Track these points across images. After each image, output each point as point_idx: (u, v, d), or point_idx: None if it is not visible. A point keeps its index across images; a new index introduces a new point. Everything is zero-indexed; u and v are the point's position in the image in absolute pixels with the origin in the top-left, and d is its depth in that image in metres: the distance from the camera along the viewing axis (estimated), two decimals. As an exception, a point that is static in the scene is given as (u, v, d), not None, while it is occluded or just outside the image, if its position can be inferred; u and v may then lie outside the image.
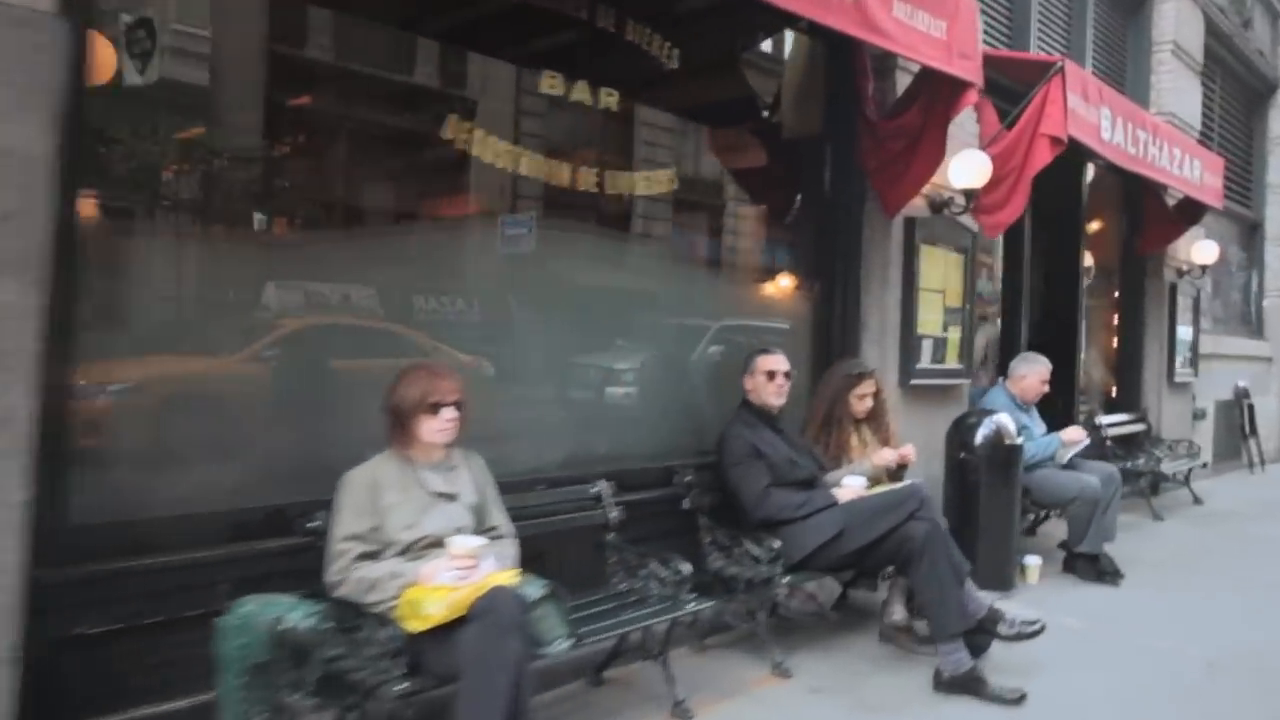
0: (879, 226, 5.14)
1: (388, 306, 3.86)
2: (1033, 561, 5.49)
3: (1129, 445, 8.32)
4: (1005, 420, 5.13)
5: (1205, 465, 8.72)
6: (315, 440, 3.28)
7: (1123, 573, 5.61)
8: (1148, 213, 8.49)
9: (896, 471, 4.56)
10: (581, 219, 4.36)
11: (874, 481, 4.42)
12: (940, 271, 5.41)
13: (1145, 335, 8.87)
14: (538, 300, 4.22)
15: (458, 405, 2.88)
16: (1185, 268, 8.96)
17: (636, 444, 4.37)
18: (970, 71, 4.54)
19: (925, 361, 5.32)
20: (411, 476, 2.87)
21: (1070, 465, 5.81)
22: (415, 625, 2.63)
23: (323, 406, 3.45)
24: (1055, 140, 5.50)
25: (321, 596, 2.75)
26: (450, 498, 2.91)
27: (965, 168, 5.19)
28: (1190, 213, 8.34)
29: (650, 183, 4.30)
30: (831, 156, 5.15)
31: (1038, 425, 5.71)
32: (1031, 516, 6.14)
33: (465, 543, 2.73)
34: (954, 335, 5.57)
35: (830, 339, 5.16)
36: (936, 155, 4.76)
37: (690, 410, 4.62)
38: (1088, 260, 9.21)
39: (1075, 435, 5.68)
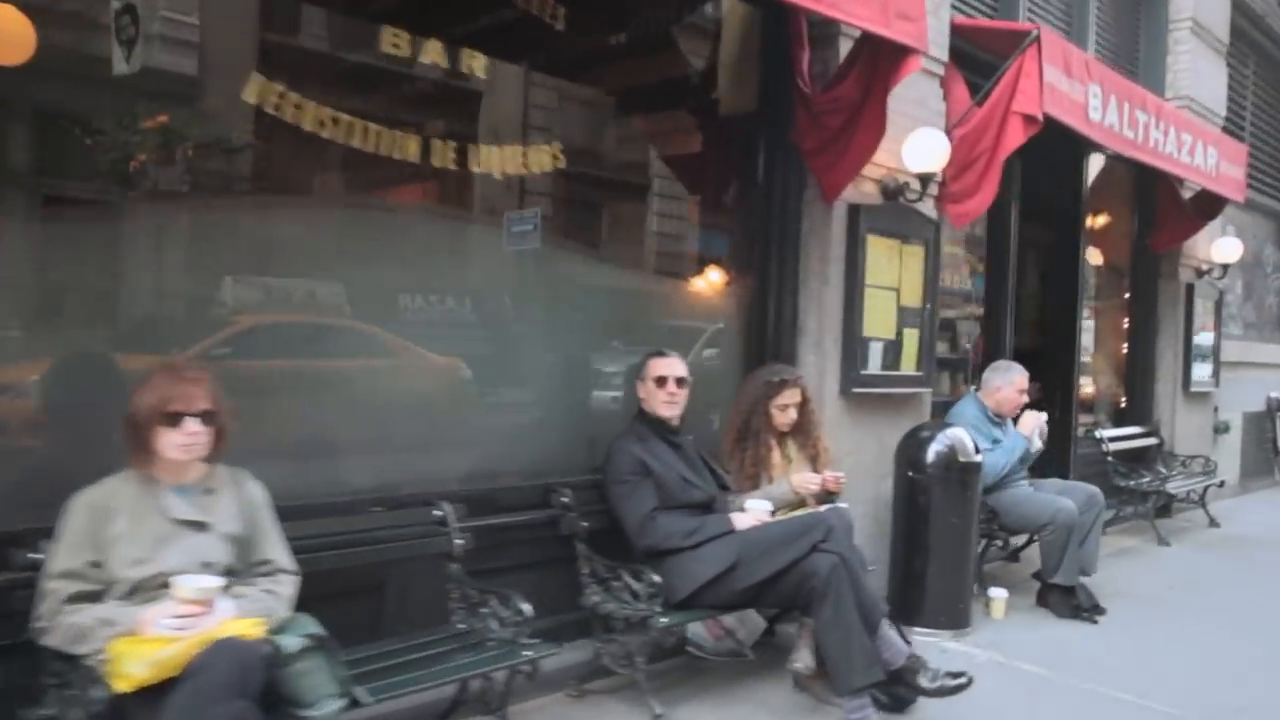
0: (819, 215, 4.57)
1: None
2: (998, 594, 4.88)
3: (1139, 461, 7.63)
4: (960, 435, 4.53)
5: (1222, 484, 7.96)
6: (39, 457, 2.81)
7: (1103, 608, 4.98)
8: (1161, 206, 7.77)
9: (827, 496, 4.00)
10: (447, 199, 3.85)
11: (794, 506, 3.87)
12: (893, 266, 4.81)
13: (1158, 341, 8.15)
14: (387, 293, 3.72)
15: (205, 416, 2.40)
16: (1205, 267, 8.21)
17: (512, 459, 3.85)
18: (912, 35, 3.96)
19: (873, 367, 4.72)
20: (151, 502, 2.39)
21: (1038, 483, 5.20)
22: (120, 685, 2.15)
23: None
24: (1029, 119, 4.89)
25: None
26: (199, 526, 2.42)
27: (922, 149, 4.61)
28: (1207, 207, 7.62)
29: (526, 160, 3.77)
30: (767, 137, 4.59)
31: (1012, 441, 5.08)
32: (1003, 543, 5.50)
33: (192, 583, 2.24)
34: (910, 338, 4.97)
35: (764, 342, 4.60)
36: (875, 132, 4.18)
37: (581, 421, 4.08)
38: (1097, 258, 8.54)
39: (1031, 421, 5.05)
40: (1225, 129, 8.47)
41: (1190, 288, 8.10)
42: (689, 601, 3.39)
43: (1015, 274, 6.40)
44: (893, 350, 4.84)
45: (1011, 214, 6.35)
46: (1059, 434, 7.06)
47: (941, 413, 5.30)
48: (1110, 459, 7.16)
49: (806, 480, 3.90)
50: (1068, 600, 4.92)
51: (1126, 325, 8.24)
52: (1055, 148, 6.34)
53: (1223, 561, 6.48)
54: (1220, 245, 8.08)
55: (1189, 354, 8.07)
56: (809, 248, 4.59)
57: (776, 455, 4.07)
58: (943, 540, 4.44)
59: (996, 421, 5.13)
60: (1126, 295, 8.26)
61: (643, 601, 3.33)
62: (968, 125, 5.04)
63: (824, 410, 4.52)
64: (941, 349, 6.29)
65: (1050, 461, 7.02)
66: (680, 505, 3.53)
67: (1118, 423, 8.16)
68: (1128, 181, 8.07)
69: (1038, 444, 5.09)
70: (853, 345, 4.58)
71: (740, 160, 4.68)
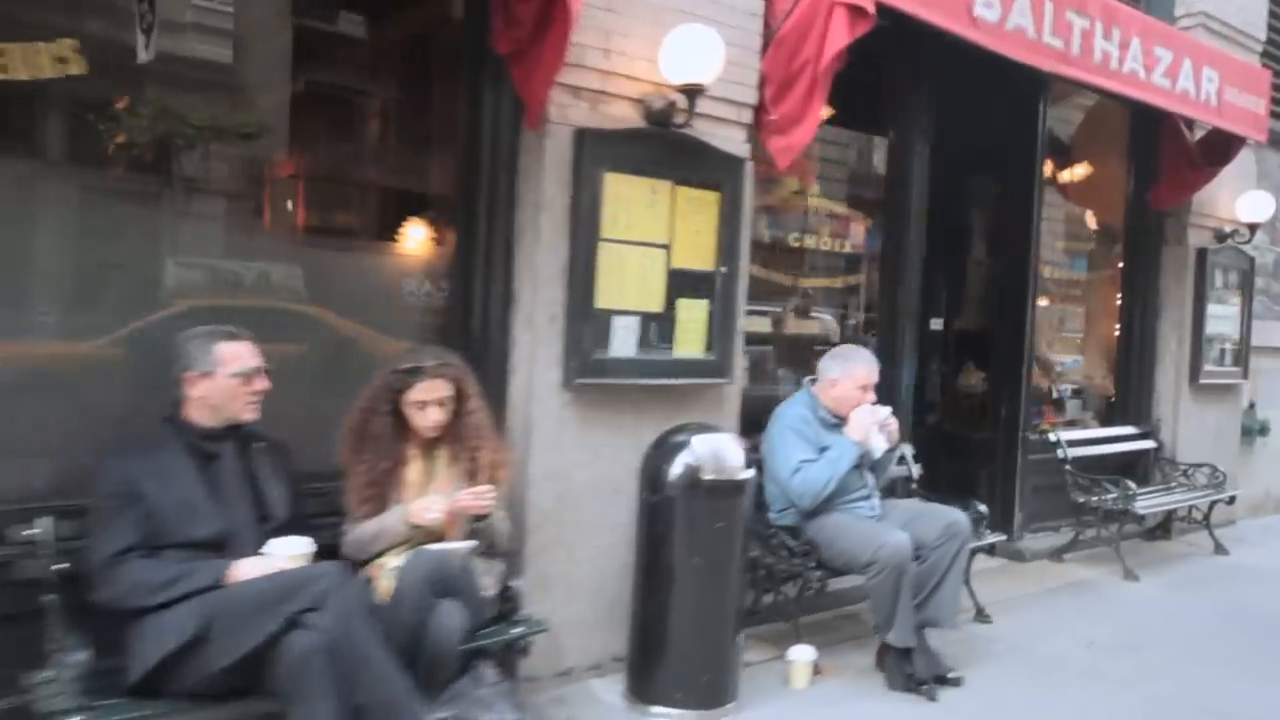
0: (534, 147, 3.40)
1: None
2: (800, 656, 3.64)
3: (1130, 471, 6.14)
4: (720, 443, 3.31)
5: (1232, 500, 6.34)
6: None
7: (955, 677, 3.70)
8: (1162, 153, 6.20)
9: (477, 525, 2.90)
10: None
11: (421, 542, 2.78)
12: (658, 215, 3.60)
13: (1160, 321, 6.57)
14: None
15: None
16: (1228, 228, 6.57)
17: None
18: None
19: (621, 350, 3.53)
20: None
21: (890, 506, 3.92)
22: None
23: None
24: (855, 10, 3.62)
25: None
26: None
27: (683, 52, 3.40)
28: (1217, 150, 6.02)
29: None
30: (471, 45, 3.45)
31: (839, 450, 3.80)
32: (818, 586, 4.15)
33: None
34: (692, 313, 3.74)
35: (469, 318, 3.48)
36: (565, 19, 2.99)
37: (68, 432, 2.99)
38: (1091, 221, 6.99)
39: (861, 421, 3.77)
40: (1264, 59, 6.75)
41: (1203, 254, 6.48)
42: (147, 687, 2.33)
43: (920, 231, 5.03)
44: (659, 328, 3.64)
45: (915, 152, 4.98)
46: (1007, 438, 5.69)
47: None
48: (1069, 468, 5.70)
49: (423, 509, 2.78)
50: (902, 666, 3.65)
51: (1120, 302, 6.67)
52: (1005, 84, 4.99)
53: (1194, 607, 4.99)
54: (1248, 200, 6.43)
55: (1198, 337, 6.46)
56: (524, 191, 3.44)
57: (415, 470, 2.97)
58: (684, 587, 3.24)
59: (834, 424, 3.87)
60: (1121, 265, 6.70)
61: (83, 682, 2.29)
62: (789, 24, 3.79)
63: (537, 407, 3.38)
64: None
65: (995, 473, 5.71)
66: (176, 544, 2.48)
67: (1107, 422, 6.64)
68: (1122, 124, 6.51)
69: (878, 446, 3.81)
70: (580, 321, 3.40)
71: (442, 77, 3.55)
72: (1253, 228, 6.53)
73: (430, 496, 2.84)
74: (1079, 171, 6.77)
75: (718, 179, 3.75)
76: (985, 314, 6.00)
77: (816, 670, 3.68)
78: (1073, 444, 5.84)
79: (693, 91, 3.46)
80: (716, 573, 3.27)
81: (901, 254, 4.99)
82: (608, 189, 3.43)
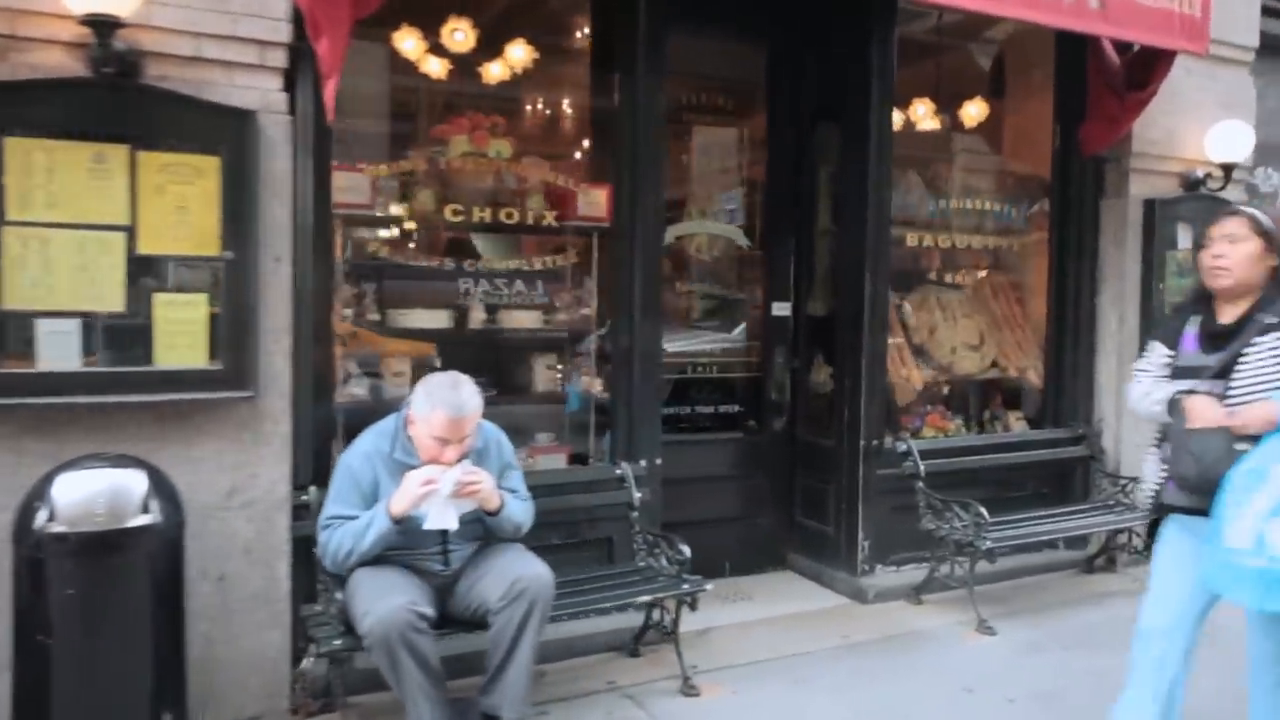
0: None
1: None
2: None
3: (1068, 483, 4.83)
4: (111, 479, 2.55)
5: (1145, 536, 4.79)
6: None
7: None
8: (1090, 84, 4.79)
9: None
10: None
11: None
12: (114, 189, 2.85)
13: (1099, 297, 5.11)
14: None
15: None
16: (1200, 172, 5.00)
17: None
18: None
19: (57, 362, 2.82)
20: None
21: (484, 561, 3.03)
22: None
23: None
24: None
25: None
26: None
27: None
28: (1142, 71, 4.55)
29: None
30: None
31: (373, 514, 2.91)
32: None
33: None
34: (182, 311, 2.97)
35: None
36: None
37: None
38: (1013, 176, 5.58)
39: (411, 487, 2.82)
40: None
41: (1150, 207, 4.95)
42: None
43: (658, 195, 3.98)
44: (124, 332, 2.90)
45: (640, 82, 3.94)
46: (849, 447, 4.55)
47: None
48: (922, 485, 4.46)
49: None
50: (425, 776, 2.75)
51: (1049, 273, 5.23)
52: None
53: (1046, 680, 3.69)
54: (1218, 134, 4.86)
55: (1148, 314, 4.95)
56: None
57: None
58: (62, 671, 2.51)
59: (415, 466, 2.96)
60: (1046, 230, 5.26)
61: None
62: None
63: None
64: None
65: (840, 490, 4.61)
66: None
67: (1038, 424, 5.25)
68: (1045, 52, 5.09)
69: (441, 519, 2.85)
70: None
71: None
72: (1227, 170, 4.93)
73: None
74: (991, 115, 5.36)
75: (213, 141, 2.96)
76: (831, 296, 4.81)
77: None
78: (930, 454, 4.57)
79: (104, 23, 2.69)
80: (107, 653, 2.52)
81: (627, 225, 3.97)
82: (9, 154, 2.72)
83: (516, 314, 4.13)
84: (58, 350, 2.82)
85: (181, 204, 2.94)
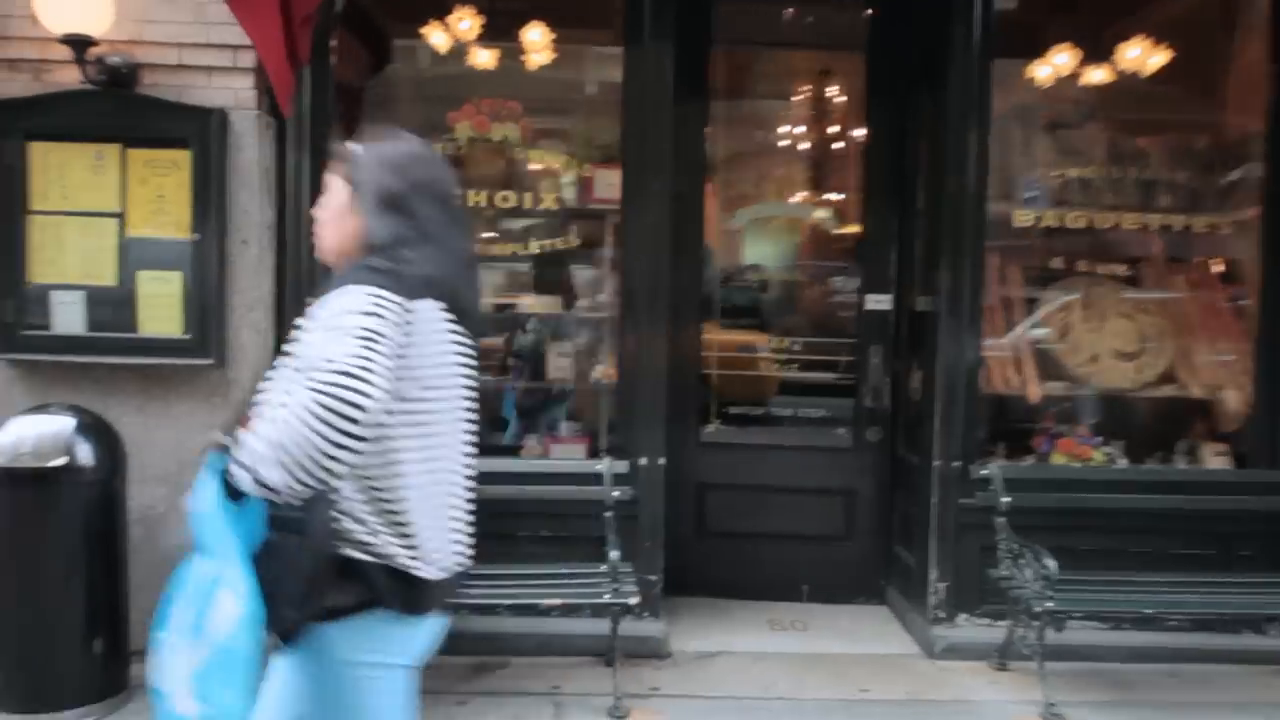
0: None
1: None
2: None
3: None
4: (44, 425, 3.03)
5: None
6: None
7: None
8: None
9: None
10: None
11: None
12: (106, 183, 3.35)
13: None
14: None
15: None
16: None
17: None
18: None
19: (69, 326, 3.38)
20: None
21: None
22: None
23: None
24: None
25: None
26: None
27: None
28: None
29: None
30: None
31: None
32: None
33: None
34: (160, 287, 3.38)
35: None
36: None
37: None
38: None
39: None
40: None
41: None
42: None
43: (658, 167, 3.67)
44: (115, 303, 3.39)
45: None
46: (920, 468, 3.92)
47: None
48: (1002, 520, 3.61)
49: None
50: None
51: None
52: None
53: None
54: None
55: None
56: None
57: None
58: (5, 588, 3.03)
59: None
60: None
61: None
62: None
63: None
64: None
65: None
66: None
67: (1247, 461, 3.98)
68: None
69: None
70: (3, 293, 3.37)
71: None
72: None
73: None
74: (1176, 60, 4.09)
75: (185, 136, 3.35)
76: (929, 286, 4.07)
77: None
78: (1027, 484, 3.68)
79: (78, 42, 3.17)
80: (39, 580, 2.99)
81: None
82: (38, 157, 3.33)
83: (530, 298, 4.09)
84: (68, 316, 3.39)
85: (160, 193, 3.38)
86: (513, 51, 4.01)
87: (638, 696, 3.35)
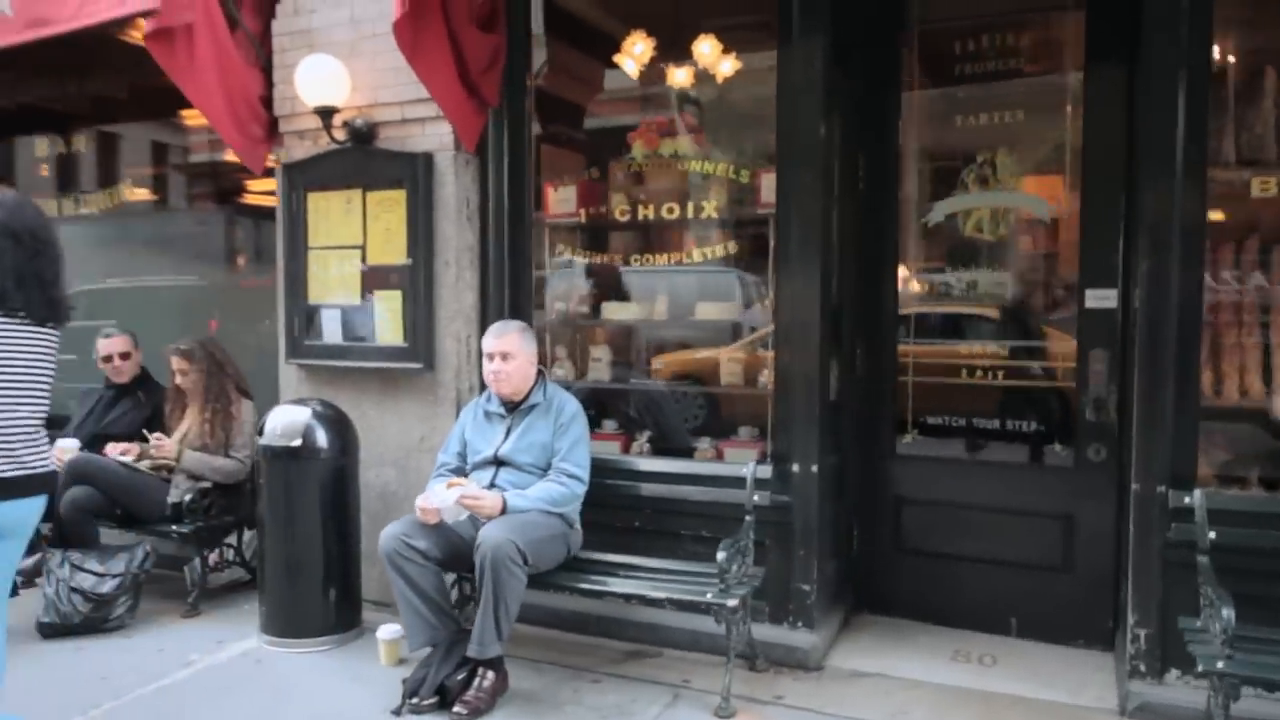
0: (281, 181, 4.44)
1: None
2: (388, 634, 3.74)
3: None
4: (294, 415, 3.88)
5: None
6: None
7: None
8: None
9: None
10: None
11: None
12: (351, 221, 4.16)
13: None
14: None
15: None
16: None
17: None
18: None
19: (330, 336, 4.25)
20: None
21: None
22: None
23: None
24: None
25: None
26: None
27: (312, 79, 4.02)
28: None
29: None
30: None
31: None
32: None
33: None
34: (387, 304, 4.09)
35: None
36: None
37: None
38: None
39: (423, 504, 3.51)
40: None
41: None
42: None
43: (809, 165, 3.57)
44: (360, 317, 4.21)
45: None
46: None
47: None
48: (1204, 561, 2.97)
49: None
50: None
51: None
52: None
53: None
54: None
55: None
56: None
57: (182, 416, 4.59)
58: (272, 536, 3.93)
59: (496, 413, 3.73)
60: None
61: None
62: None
63: (280, 379, 4.49)
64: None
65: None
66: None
67: None
68: None
69: (453, 516, 3.43)
70: (294, 312, 4.35)
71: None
72: None
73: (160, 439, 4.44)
74: None
75: (402, 178, 4.06)
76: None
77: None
78: (1243, 518, 2.97)
79: (325, 111, 4.01)
80: (289, 524, 3.87)
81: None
82: (314, 204, 4.27)
83: (705, 305, 4.20)
84: (332, 329, 4.29)
85: (387, 226, 4.13)
86: (689, 69, 4.22)
87: (756, 701, 3.35)
